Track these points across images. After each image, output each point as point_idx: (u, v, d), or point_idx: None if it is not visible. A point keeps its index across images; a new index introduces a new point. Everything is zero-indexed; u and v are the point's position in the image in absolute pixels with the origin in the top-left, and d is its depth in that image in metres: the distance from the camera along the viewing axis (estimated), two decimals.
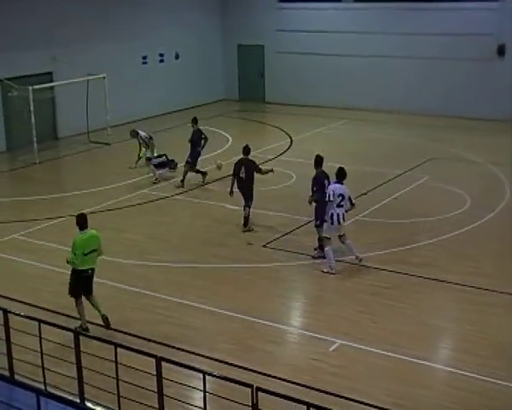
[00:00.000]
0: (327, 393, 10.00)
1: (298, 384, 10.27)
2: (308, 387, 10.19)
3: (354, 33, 29.83)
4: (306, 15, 31.15)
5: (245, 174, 16.97)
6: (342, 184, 14.59)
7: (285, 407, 8.31)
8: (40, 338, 9.62)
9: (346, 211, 14.67)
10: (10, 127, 24.62)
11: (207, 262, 15.06)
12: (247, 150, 17.23)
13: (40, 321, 10.17)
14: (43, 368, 9.62)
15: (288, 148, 24.55)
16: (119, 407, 9.05)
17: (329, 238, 14.49)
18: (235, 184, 17.09)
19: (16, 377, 9.83)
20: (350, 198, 14.73)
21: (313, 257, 15.04)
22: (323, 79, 30.90)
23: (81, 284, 11.88)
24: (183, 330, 12.12)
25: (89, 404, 9.34)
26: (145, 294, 13.57)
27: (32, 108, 22.83)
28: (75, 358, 9.32)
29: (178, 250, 15.81)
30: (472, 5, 27.53)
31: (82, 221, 11.97)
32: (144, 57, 29.87)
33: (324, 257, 14.51)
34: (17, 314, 11.71)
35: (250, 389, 7.92)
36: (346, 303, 13.11)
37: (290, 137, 25.78)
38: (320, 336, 11.84)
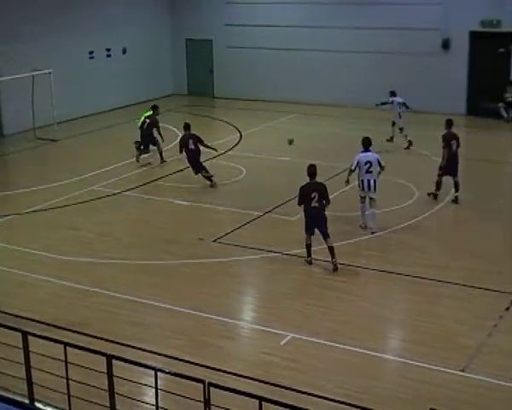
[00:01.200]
0: (279, 386, 10.01)
1: (250, 379, 10.28)
2: (260, 381, 10.21)
3: (303, 27, 29.90)
4: (255, 10, 31.14)
5: (194, 145, 19.38)
6: (369, 151, 15.97)
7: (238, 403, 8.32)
8: None
9: (378, 176, 15.97)
10: None
11: (159, 259, 14.97)
12: (187, 126, 19.88)
13: None
14: None
15: (238, 142, 24.54)
16: (70, 406, 8.94)
17: (363, 197, 16.16)
18: (186, 160, 19.57)
19: None
20: (379, 163, 15.87)
21: (304, 260, 14.49)
22: (273, 74, 30.96)
23: None
24: (135, 328, 12.03)
25: (38, 405, 9.20)
26: (95, 292, 13.43)
27: None
28: (23, 358, 9.16)
29: (129, 247, 15.69)
30: (420, 0, 27.87)
31: None
32: (91, 52, 29.49)
33: (308, 261, 14.39)
34: None
35: (202, 385, 7.90)
36: (298, 297, 13.18)
37: (239, 132, 25.77)
38: (272, 330, 11.86)
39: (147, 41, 31.97)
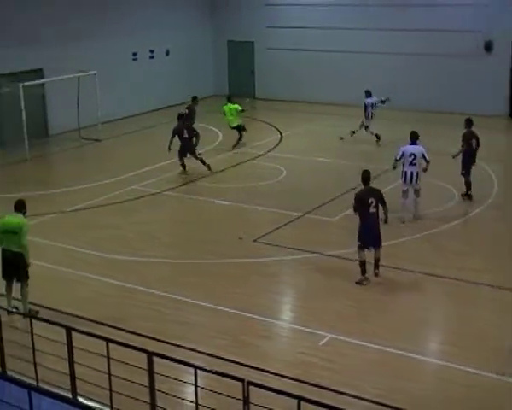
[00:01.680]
0: (317, 386, 10.09)
1: (288, 378, 10.36)
2: (299, 381, 10.29)
3: (343, 29, 29.86)
4: (296, 12, 31.19)
5: (187, 134, 20.73)
6: (416, 144, 16.56)
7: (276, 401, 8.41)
8: (32, 334, 9.68)
9: (423, 170, 16.54)
10: (1, 124, 24.59)
11: (199, 258, 15.14)
12: (181, 116, 21.45)
13: (32, 317, 10.27)
14: (35, 364, 9.68)
15: (278, 143, 24.63)
16: (111, 402, 9.11)
17: (405, 191, 16.60)
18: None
19: (8, 372, 9.88)
20: (424, 156, 16.39)
21: (356, 283, 13.66)
22: (314, 76, 30.96)
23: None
24: (178, 327, 12.19)
25: (81, 399, 9.40)
26: (138, 290, 13.64)
27: (22, 104, 22.84)
28: (67, 353, 9.38)
29: (170, 246, 15.89)
30: (462, 1, 27.64)
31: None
32: (135, 54, 29.87)
33: (363, 280, 13.67)
34: (9, 312, 11.81)
35: (241, 384, 8.00)
36: (336, 297, 13.21)
37: (280, 133, 25.85)
38: (311, 331, 11.94)
39: (189, 43, 32.24)
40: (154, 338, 11.58)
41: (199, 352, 11.21)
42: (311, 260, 14.88)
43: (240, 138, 24.11)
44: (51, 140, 26.08)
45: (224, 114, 24.17)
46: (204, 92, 32.89)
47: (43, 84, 25.31)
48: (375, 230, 13.64)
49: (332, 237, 16.12)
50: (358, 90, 29.55)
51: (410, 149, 16.54)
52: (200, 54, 33.13)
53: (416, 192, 16.77)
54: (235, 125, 24.12)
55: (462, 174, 18.22)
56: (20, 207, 12.60)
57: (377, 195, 13.69)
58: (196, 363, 9.01)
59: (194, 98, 24.20)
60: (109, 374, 9.02)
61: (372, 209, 13.53)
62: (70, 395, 9.38)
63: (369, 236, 13.60)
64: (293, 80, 31.48)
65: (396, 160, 16.72)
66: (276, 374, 10.48)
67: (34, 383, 9.41)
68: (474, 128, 18.26)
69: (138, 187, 20.08)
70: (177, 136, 20.98)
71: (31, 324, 9.75)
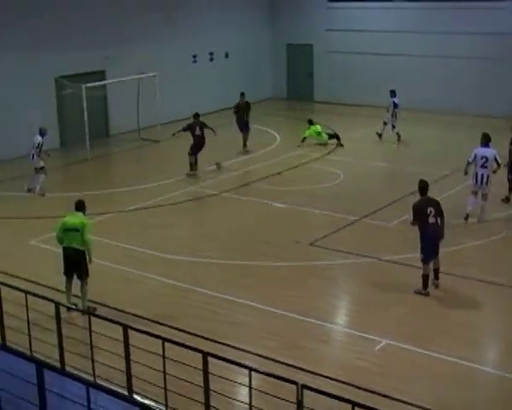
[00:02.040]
0: (371, 392, 10.01)
1: (343, 383, 10.31)
2: (353, 386, 10.22)
3: (404, 33, 29.63)
4: (356, 15, 31.07)
5: (200, 132, 21.37)
6: (488, 147, 16.62)
7: (326, 406, 8.36)
8: (90, 331, 9.84)
9: (493, 172, 16.61)
10: (64, 124, 25.10)
11: (255, 260, 15.17)
12: (197, 115, 21.91)
13: (90, 314, 10.43)
14: (93, 360, 9.84)
15: (336, 147, 24.51)
16: (166, 400, 9.19)
17: (475, 192, 16.74)
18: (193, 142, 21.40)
19: (67, 368, 10.05)
20: (496, 159, 16.54)
21: (415, 292, 13.39)
22: (373, 79, 30.73)
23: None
24: (231, 327, 12.26)
25: (137, 397, 9.50)
26: (193, 290, 13.75)
27: (84, 105, 23.28)
28: (124, 351, 9.50)
29: (226, 248, 15.96)
30: None
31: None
32: (194, 56, 30.14)
33: (423, 293, 13.33)
34: (69, 308, 12.02)
35: (295, 387, 7.98)
36: (393, 303, 13.07)
37: (338, 136, 25.72)
38: (366, 336, 11.85)
39: (248, 45, 32.38)
40: (207, 338, 11.66)
41: (251, 353, 11.24)
42: (367, 265, 14.77)
43: (339, 143, 24.54)
44: (111, 140, 26.50)
45: (311, 135, 24.56)
46: (262, 95, 33.02)
47: (104, 86, 25.75)
48: (436, 240, 13.32)
49: (389, 243, 15.97)
50: (419, 94, 29.42)
51: (482, 151, 16.64)
52: (259, 56, 33.23)
53: (484, 196, 16.75)
54: (325, 140, 24.46)
55: (508, 180, 17.96)
56: (80, 206, 12.89)
57: (436, 205, 13.38)
58: (249, 364, 9.02)
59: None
60: (164, 373, 9.10)
61: (431, 219, 13.16)
62: (126, 393, 9.49)
63: (431, 248, 13.26)
64: (352, 83, 31.31)
65: (469, 162, 16.83)
66: (331, 378, 10.44)
67: (92, 379, 9.55)
68: None
69: (196, 188, 20.23)
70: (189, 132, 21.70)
71: (89, 321, 9.91)
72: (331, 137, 24.66)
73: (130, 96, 25.78)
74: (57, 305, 10.20)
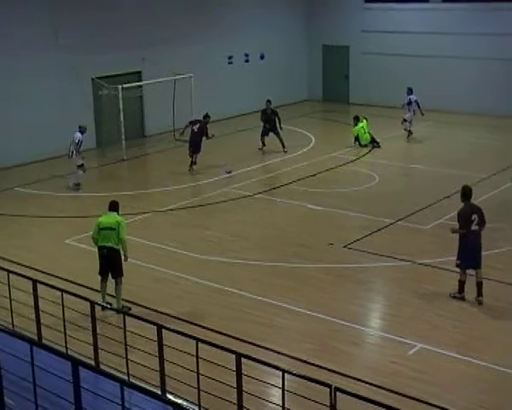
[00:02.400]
0: (405, 396, 9.93)
1: (377, 386, 10.25)
2: (387, 389, 10.15)
3: (441, 34, 29.37)
4: (392, 16, 30.87)
5: (197, 129, 21.74)
6: None
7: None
8: (124, 330, 9.91)
9: None
10: (100, 125, 25.33)
11: (289, 262, 15.16)
12: (206, 115, 22.21)
13: (125, 314, 10.51)
14: (127, 359, 9.91)
15: (372, 149, 24.38)
16: (199, 400, 9.22)
17: None
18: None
19: (101, 366, 10.14)
20: None
21: (450, 295, 13.25)
22: (409, 81, 30.31)
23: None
24: (264, 328, 12.25)
25: (170, 396, 9.54)
26: (227, 290, 13.77)
27: (121, 106, 23.47)
28: (157, 351, 9.55)
29: (260, 249, 15.96)
30: None
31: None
32: (230, 57, 30.21)
33: (458, 297, 13.12)
34: (104, 307, 12.12)
35: (329, 389, 7.95)
36: (428, 307, 12.96)
37: (374, 139, 25.58)
38: (400, 339, 11.76)
39: (284, 47, 32.35)
40: (239, 339, 11.67)
41: (285, 355, 11.22)
42: (402, 268, 14.66)
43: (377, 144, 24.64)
44: (147, 141, 26.67)
45: (358, 133, 24.58)
46: (298, 97, 33.00)
47: (140, 87, 25.93)
48: (477, 248, 13.01)
49: (424, 246, 15.83)
50: (456, 96, 29.13)
51: None
52: (295, 58, 33.18)
53: None
54: (367, 140, 24.51)
55: None
56: (114, 207, 13.05)
57: (479, 212, 13.07)
58: (282, 366, 9.01)
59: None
60: (197, 373, 9.13)
61: (474, 227, 12.89)
62: (159, 392, 9.54)
63: (471, 255, 12.97)
64: (388, 85, 31.09)
65: None
66: (364, 381, 10.38)
67: (126, 378, 9.62)
68: None
69: (231, 189, 20.27)
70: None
71: (123, 320, 9.98)
72: (372, 140, 24.54)
73: (165, 97, 25.91)
74: (92, 304, 10.30)
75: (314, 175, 21.28)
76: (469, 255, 12.95)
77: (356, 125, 24.67)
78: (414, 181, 20.83)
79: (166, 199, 19.42)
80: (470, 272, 13.06)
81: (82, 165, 20.33)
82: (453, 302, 13.04)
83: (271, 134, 24.13)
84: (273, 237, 16.68)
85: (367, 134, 24.56)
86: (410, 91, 25.43)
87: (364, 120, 24.81)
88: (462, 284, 13.08)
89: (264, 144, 24.25)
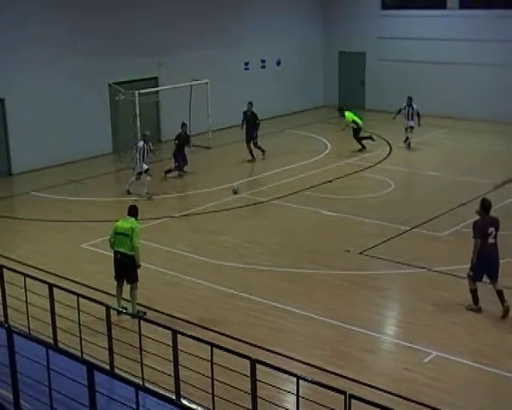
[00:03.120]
0: (420, 404, 9.89)
1: (392, 394, 10.21)
2: (402, 397, 10.11)
3: (458, 41, 29.27)
4: (409, 23, 30.81)
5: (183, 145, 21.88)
6: None
7: None
8: (139, 335, 9.93)
9: None
10: (117, 130, 25.42)
11: (304, 268, 15.14)
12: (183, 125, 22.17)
13: (140, 318, 10.54)
14: (142, 364, 9.94)
15: (387, 155, 24.34)
16: (214, 405, 9.22)
17: None
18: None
19: (116, 371, 10.17)
20: None
21: (467, 308, 13.06)
22: (425, 87, 30.38)
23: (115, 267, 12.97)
24: (278, 334, 12.25)
25: (184, 401, 9.54)
26: (241, 296, 13.78)
27: (137, 111, 23.56)
28: (172, 356, 9.57)
29: (275, 254, 15.96)
30: None
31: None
32: (246, 63, 30.26)
33: (475, 309, 12.96)
34: (119, 312, 12.16)
35: (343, 396, 7.93)
36: (443, 314, 12.90)
37: (389, 145, 25.54)
38: (415, 347, 11.71)
39: (300, 53, 32.38)
40: (254, 344, 11.67)
41: (299, 361, 11.20)
42: (418, 276, 14.61)
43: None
44: (163, 146, 26.72)
45: (353, 118, 24.98)
46: (314, 103, 33.00)
47: (157, 92, 26.02)
48: (493, 261, 12.78)
49: (440, 253, 15.77)
50: (474, 103, 29.01)
51: None
52: (311, 64, 33.19)
53: None
54: (361, 123, 24.98)
55: None
56: (132, 212, 13.07)
57: (497, 224, 12.87)
58: (295, 372, 9.00)
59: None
60: (212, 378, 9.13)
61: (491, 240, 12.72)
62: (174, 397, 9.55)
63: (485, 268, 12.78)
64: (405, 92, 30.84)
65: None
66: (380, 389, 10.34)
67: (141, 382, 9.64)
68: None
69: (247, 195, 20.30)
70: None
71: (139, 325, 10.01)
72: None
73: (182, 103, 25.97)
74: (108, 308, 10.34)
75: (330, 181, 21.26)
76: (483, 268, 12.77)
77: (343, 115, 24.93)
78: (429, 188, 20.75)
79: (183, 204, 19.49)
80: (485, 280, 12.96)
81: (147, 170, 20.36)
82: (468, 311, 12.96)
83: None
84: (288, 243, 16.67)
85: (357, 118, 24.93)
86: (410, 100, 25.27)
87: (350, 111, 25.22)
88: (474, 292, 12.91)
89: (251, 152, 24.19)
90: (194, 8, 27.68)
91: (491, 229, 12.73)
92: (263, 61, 31.00)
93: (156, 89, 25.92)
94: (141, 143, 20.43)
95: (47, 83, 23.43)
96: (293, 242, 16.76)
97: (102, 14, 24.48)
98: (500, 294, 12.77)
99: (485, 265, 12.73)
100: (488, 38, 28.57)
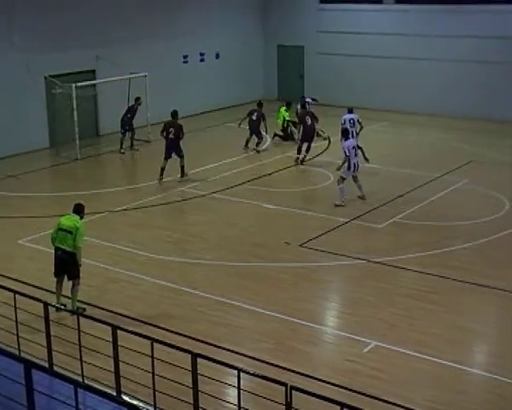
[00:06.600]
0: (362, 394, 10.00)
1: (333, 385, 10.29)
2: (343, 387, 10.20)
3: (394, 35, 29.62)
4: (347, 17, 31.05)
5: (173, 135, 20.44)
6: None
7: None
8: (79, 331, 9.79)
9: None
10: (53, 124, 24.96)
11: (246, 261, 15.15)
12: (174, 114, 20.95)
13: (79, 315, 10.38)
14: (81, 360, 9.79)
15: (326, 149, 24.51)
16: (155, 401, 9.16)
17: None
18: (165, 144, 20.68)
19: (56, 369, 10.00)
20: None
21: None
22: (364, 81, 30.74)
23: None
24: (223, 328, 12.22)
25: (125, 397, 9.45)
26: (184, 290, 13.71)
27: (74, 105, 23.19)
28: (112, 351, 9.45)
29: (217, 249, 15.92)
30: None
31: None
32: (185, 56, 30.06)
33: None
34: (58, 309, 11.96)
35: (284, 388, 7.95)
36: (383, 305, 13.06)
37: (329, 139, 25.72)
38: (356, 338, 11.83)
39: (239, 46, 32.32)
40: (197, 339, 11.62)
41: (243, 354, 11.20)
42: (357, 267, 14.77)
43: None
44: (101, 140, 26.40)
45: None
46: (253, 96, 32.89)
47: (94, 85, 25.65)
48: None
49: (379, 244, 15.98)
50: (409, 96, 29.47)
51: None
52: (250, 58, 33.19)
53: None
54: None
55: None
56: (78, 210, 12.87)
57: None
58: (240, 366, 8.99)
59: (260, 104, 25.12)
60: (153, 373, 9.06)
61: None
62: (114, 393, 9.44)
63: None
64: (343, 86, 31.30)
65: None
66: (323, 381, 10.41)
67: (80, 379, 9.50)
68: None
69: (186, 189, 20.18)
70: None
71: (78, 321, 9.86)
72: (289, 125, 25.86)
73: (120, 96, 25.66)
74: (46, 305, 10.15)
75: (269, 174, 21.30)
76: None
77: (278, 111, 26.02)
78: (369, 180, 20.97)
79: (122, 199, 19.22)
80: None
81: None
82: (408, 301, 13.17)
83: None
84: (229, 237, 16.64)
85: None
86: (351, 111, 23.46)
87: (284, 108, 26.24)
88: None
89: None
90: (133, 1, 27.36)
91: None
92: (202, 55, 30.84)
93: (93, 82, 25.54)
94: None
95: None
96: (234, 236, 16.75)
97: (40, 6, 23.96)
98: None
99: None
100: (423, 32, 28.99)
